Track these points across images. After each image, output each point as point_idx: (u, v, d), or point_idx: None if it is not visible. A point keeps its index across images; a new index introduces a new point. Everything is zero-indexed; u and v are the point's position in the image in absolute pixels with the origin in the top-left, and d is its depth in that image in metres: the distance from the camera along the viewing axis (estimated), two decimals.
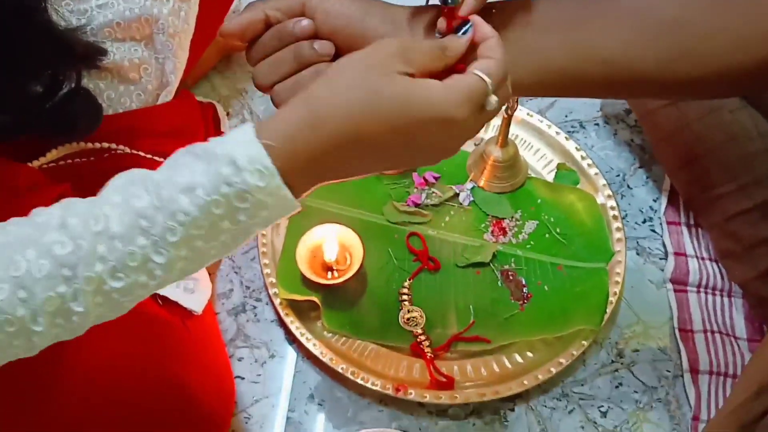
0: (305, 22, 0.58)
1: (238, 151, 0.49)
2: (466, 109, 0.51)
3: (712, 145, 0.91)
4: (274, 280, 0.93)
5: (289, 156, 0.49)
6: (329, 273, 0.93)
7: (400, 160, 0.55)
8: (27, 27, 0.65)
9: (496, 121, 0.99)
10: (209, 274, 0.93)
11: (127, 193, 0.50)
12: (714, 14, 0.57)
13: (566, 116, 1.12)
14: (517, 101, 0.93)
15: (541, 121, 1.07)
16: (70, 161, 0.83)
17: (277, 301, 0.92)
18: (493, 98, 0.52)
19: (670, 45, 0.58)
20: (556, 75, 0.60)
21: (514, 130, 1.05)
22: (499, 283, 0.94)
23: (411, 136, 0.51)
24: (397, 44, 0.52)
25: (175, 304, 0.80)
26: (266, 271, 0.94)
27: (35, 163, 0.81)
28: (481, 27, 0.55)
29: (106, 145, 0.85)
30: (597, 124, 1.12)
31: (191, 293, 0.82)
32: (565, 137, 1.06)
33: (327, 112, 0.50)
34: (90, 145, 0.84)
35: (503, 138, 0.98)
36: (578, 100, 1.13)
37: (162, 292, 0.79)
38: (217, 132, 1.05)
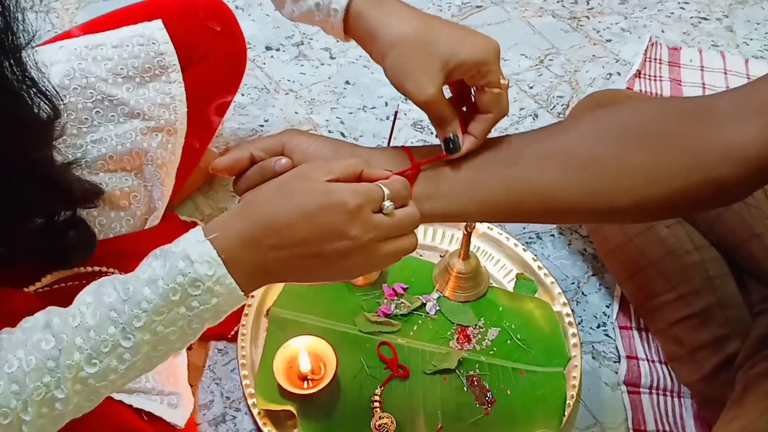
0: (284, 161, 0.67)
1: (190, 247, 0.59)
2: (359, 198, 0.60)
3: (652, 257, 0.98)
4: (252, 391, 0.97)
5: (229, 244, 0.59)
6: (305, 383, 0.97)
7: (323, 261, 0.61)
8: (33, 179, 0.71)
9: (459, 235, 1.06)
10: (191, 386, 0.97)
11: (98, 292, 0.59)
12: (626, 153, 0.65)
13: (523, 228, 1.20)
14: None
15: (500, 234, 1.15)
16: (63, 285, 0.88)
17: (255, 411, 0.96)
18: (388, 203, 0.61)
19: (590, 180, 0.66)
20: (497, 206, 0.68)
21: (475, 242, 1.12)
22: (464, 388, 0.99)
23: (317, 221, 0.59)
24: (320, 167, 0.62)
25: (159, 419, 0.84)
26: (245, 381, 0.98)
27: (30, 288, 0.86)
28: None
29: (97, 268, 0.91)
30: (552, 236, 1.20)
31: (174, 408, 0.86)
32: (523, 248, 1.13)
33: (254, 203, 0.61)
34: (82, 269, 0.90)
35: (465, 251, 1.05)
36: None
37: (146, 407, 0.83)
38: None
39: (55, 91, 0.69)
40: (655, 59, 1.58)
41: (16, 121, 0.65)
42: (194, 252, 0.58)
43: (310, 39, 1.60)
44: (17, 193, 0.71)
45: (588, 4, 1.75)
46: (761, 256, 0.95)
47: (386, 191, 0.62)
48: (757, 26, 1.72)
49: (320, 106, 1.45)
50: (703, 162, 0.63)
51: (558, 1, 1.75)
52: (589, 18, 1.71)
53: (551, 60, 1.59)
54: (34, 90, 0.65)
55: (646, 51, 1.59)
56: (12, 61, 0.62)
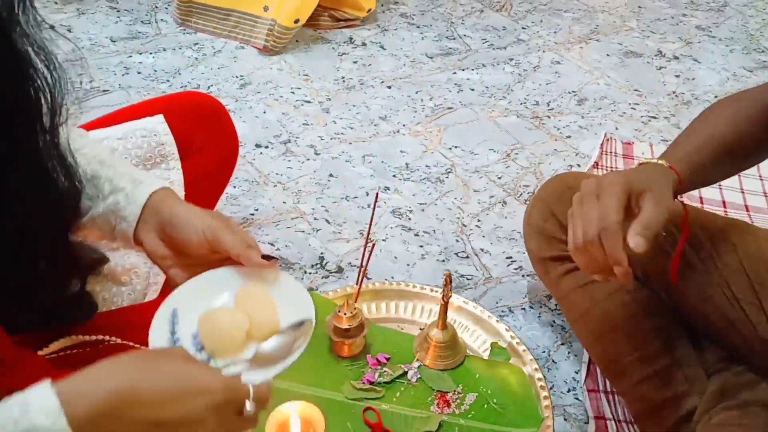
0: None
1: (31, 395, 0.53)
2: (230, 394, 0.59)
3: (615, 321, 1.04)
4: None
5: (76, 404, 0.53)
6: None
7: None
8: (49, 247, 0.75)
9: (436, 308, 1.11)
10: None
11: None
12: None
13: (497, 303, 1.25)
14: (450, 289, 1.06)
15: (476, 308, 1.20)
16: (69, 352, 0.91)
17: None
18: (250, 407, 0.61)
19: None
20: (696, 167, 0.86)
21: (452, 315, 1.17)
22: None
23: (182, 404, 0.57)
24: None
25: None
26: None
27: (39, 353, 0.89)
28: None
29: (101, 337, 0.94)
30: (524, 309, 1.25)
31: None
32: (497, 320, 1.18)
33: (116, 370, 0.57)
34: (86, 337, 0.93)
35: (442, 322, 1.10)
36: (505, 289, 1.27)
37: None
38: None
39: (76, 168, 0.75)
40: (611, 152, 1.69)
41: (43, 191, 0.70)
42: (34, 399, 0.52)
43: (297, 138, 1.70)
44: (33, 260, 0.76)
45: (548, 105, 1.87)
46: (715, 318, 1.00)
47: (252, 392, 0.61)
48: None
49: (306, 196, 1.52)
50: None
51: (521, 103, 1.87)
52: (549, 117, 1.83)
53: (517, 154, 1.69)
54: (60, 165, 0.71)
55: (602, 145, 1.70)
56: (48, 137, 0.65)
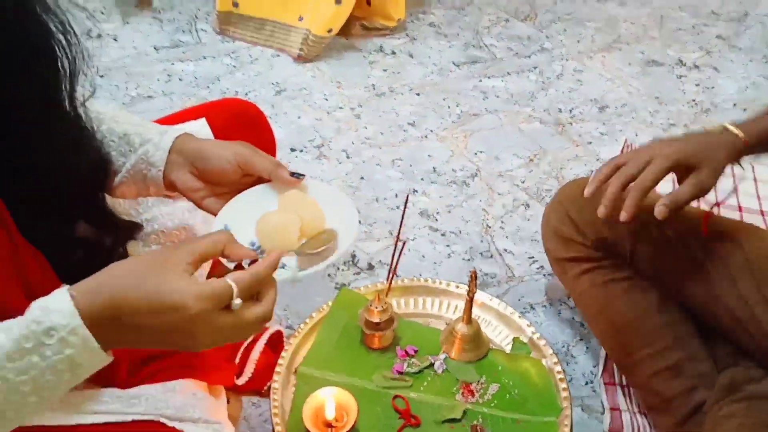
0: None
1: (48, 300, 0.59)
2: (204, 303, 0.60)
3: (629, 318, 1.10)
4: None
5: (87, 305, 0.59)
6: (329, 430, 1.07)
7: (160, 338, 0.62)
8: (90, 209, 0.82)
9: (461, 304, 1.18)
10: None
11: None
12: None
13: (519, 300, 1.32)
14: (475, 285, 1.13)
15: (499, 305, 1.27)
16: None
17: None
18: (238, 301, 0.62)
19: None
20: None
21: (477, 312, 1.24)
22: None
23: (160, 318, 0.60)
24: (187, 248, 0.64)
25: None
26: (277, 428, 1.08)
27: None
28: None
29: None
30: (544, 306, 1.32)
31: None
32: (519, 316, 1.25)
33: (113, 277, 0.61)
34: None
35: (468, 316, 1.17)
36: (527, 287, 1.34)
37: None
38: None
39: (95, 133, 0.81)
40: None
41: (78, 147, 0.75)
42: (52, 302, 0.58)
43: (330, 142, 1.78)
44: (71, 216, 0.80)
45: (571, 112, 1.94)
46: (724, 317, 1.06)
47: (235, 289, 0.62)
48: None
49: None
50: None
51: (545, 110, 1.94)
52: (572, 124, 1.89)
53: (539, 159, 1.76)
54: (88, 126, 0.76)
55: (622, 151, 1.76)
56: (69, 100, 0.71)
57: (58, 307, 0.58)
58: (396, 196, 1.60)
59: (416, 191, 1.63)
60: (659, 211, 0.91)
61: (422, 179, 1.66)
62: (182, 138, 0.88)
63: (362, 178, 1.66)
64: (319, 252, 0.79)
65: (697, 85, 2.07)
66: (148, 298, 0.60)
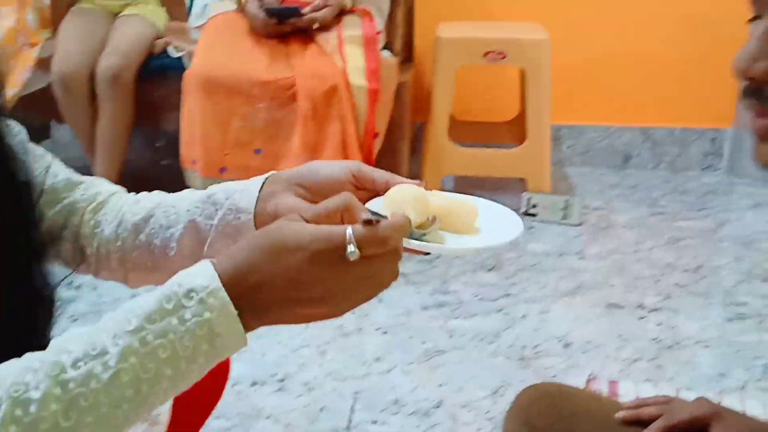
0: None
1: (192, 268, 0.59)
2: (320, 243, 0.58)
3: None
4: None
5: (227, 271, 0.58)
6: None
7: (295, 295, 0.59)
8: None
9: None
10: None
11: (107, 316, 0.58)
12: None
13: None
14: None
15: None
16: None
17: None
18: (352, 248, 0.58)
19: None
20: None
21: None
22: None
23: (282, 260, 0.58)
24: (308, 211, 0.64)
25: None
26: None
27: None
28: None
29: None
30: None
31: None
32: None
33: (248, 242, 0.61)
34: None
35: None
36: None
37: None
38: None
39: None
40: (596, 390, 1.71)
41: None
42: (195, 268, 0.59)
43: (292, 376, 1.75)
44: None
45: (535, 348, 1.94)
46: None
47: (350, 234, 0.58)
48: (686, 364, 1.88)
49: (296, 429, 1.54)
50: None
51: (510, 346, 1.94)
52: (536, 359, 1.88)
53: (505, 389, 1.72)
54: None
55: (587, 383, 1.72)
56: None
57: (199, 271, 0.59)
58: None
59: (375, 422, 1.56)
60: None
61: (383, 410, 1.61)
62: (275, 174, 0.80)
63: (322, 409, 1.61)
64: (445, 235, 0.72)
65: (658, 324, 2.09)
66: (273, 247, 0.59)
